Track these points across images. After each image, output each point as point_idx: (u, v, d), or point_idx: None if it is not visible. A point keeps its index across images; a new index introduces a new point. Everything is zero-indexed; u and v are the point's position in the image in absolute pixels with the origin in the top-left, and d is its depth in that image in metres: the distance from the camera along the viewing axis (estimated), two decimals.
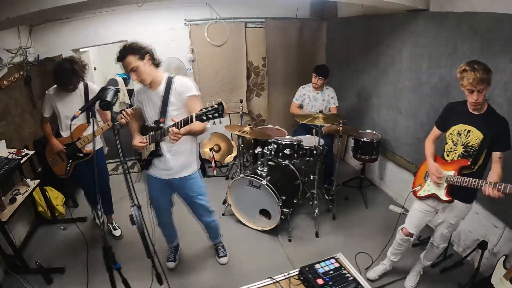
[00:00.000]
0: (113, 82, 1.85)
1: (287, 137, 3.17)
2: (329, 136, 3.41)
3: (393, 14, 3.11)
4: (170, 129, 1.88)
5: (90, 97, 2.72)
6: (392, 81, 3.28)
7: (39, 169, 3.20)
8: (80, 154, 2.78)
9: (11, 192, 2.79)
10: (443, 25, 2.65)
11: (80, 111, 1.67)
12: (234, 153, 4.18)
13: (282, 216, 2.85)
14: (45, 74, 3.68)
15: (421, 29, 2.86)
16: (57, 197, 3.44)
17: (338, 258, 1.85)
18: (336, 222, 3.22)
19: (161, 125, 2.04)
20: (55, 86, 2.65)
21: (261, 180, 2.80)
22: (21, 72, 3.35)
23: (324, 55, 4.32)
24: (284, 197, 2.88)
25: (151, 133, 2.09)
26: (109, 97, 1.49)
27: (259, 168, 2.98)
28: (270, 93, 4.33)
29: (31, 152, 2.90)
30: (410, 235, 2.22)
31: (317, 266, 1.77)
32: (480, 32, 2.33)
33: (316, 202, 3.10)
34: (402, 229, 2.27)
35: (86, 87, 2.70)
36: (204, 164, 3.97)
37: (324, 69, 3.40)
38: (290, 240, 2.95)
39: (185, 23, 3.91)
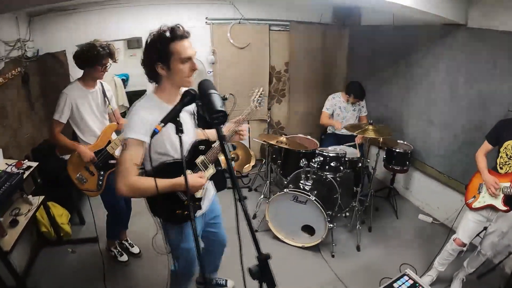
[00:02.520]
0: (208, 84, 1.34)
1: (330, 148, 3.12)
2: (359, 147, 3.43)
3: (428, 26, 3.24)
4: (241, 128, 1.80)
5: (108, 96, 2.57)
6: (424, 93, 3.43)
7: (39, 180, 2.85)
8: (112, 162, 2.48)
9: (11, 211, 2.45)
10: (482, 41, 2.84)
11: (162, 123, 1.26)
12: (253, 162, 4.03)
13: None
14: (45, 72, 3.37)
15: (459, 43, 3.05)
16: (61, 214, 3.16)
17: (409, 274, 1.97)
18: (373, 234, 3.32)
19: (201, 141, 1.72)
20: (75, 81, 2.42)
21: (309, 196, 2.72)
22: (19, 69, 3.07)
23: (345, 62, 4.43)
24: (330, 212, 2.81)
25: (202, 158, 1.71)
26: (222, 106, 1.14)
27: (302, 182, 2.89)
28: (290, 100, 4.32)
29: (33, 164, 2.59)
30: (464, 245, 2.38)
31: (395, 285, 1.88)
32: None
33: (358, 215, 3.08)
34: (455, 240, 2.41)
35: (102, 85, 2.54)
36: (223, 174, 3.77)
37: (360, 91, 3.48)
38: (333, 256, 2.97)
39: (206, 22, 3.77)
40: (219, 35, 3.82)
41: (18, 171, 2.38)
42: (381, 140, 3.03)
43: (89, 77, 2.38)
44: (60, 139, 2.38)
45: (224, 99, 1.18)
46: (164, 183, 1.49)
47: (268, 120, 3.32)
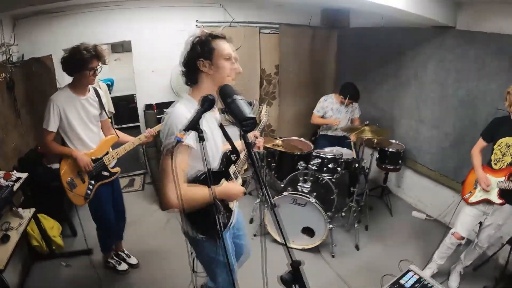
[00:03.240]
0: (230, 89, 1.27)
1: (327, 150, 3.14)
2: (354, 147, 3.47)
3: (418, 29, 3.32)
4: (258, 140, 1.81)
5: (103, 103, 2.45)
6: (414, 93, 3.53)
7: (27, 191, 2.75)
8: (105, 173, 2.42)
9: (1, 226, 2.34)
10: (471, 43, 2.96)
11: (185, 132, 1.20)
12: (245, 166, 3.97)
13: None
14: (31, 77, 3.24)
15: (448, 45, 3.17)
16: (52, 227, 3.04)
17: (413, 270, 2.04)
18: (370, 233, 3.38)
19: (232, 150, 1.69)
20: (64, 87, 2.28)
21: (309, 198, 2.74)
22: (3, 74, 2.94)
23: (334, 64, 4.51)
24: (329, 213, 2.83)
25: (233, 167, 1.67)
26: (251, 112, 1.11)
27: (300, 184, 2.90)
28: (281, 103, 4.36)
29: (23, 175, 2.48)
30: (462, 238, 2.48)
31: (401, 281, 1.95)
32: (508, 52, 2.68)
33: (355, 214, 3.11)
34: (453, 234, 2.51)
35: (96, 91, 2.42)
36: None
37: (356, 93, 3.51)
38: (333, 256, 3.00)
39: (196, 25, 3.72)
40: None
41: (7, 183, 2.26)
42: (375, 140, 3.08)
43: (79, 83, 2.25)
44: (53, 147, 2.26)
45: (250, 104, 1.17)
46: (208, 192, 1.34)
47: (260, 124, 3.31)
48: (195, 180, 1.45)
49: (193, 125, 1.19)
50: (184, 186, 1.35)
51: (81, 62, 2.12)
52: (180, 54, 1.52)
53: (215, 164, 1.56)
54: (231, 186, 1.53)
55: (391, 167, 3.50)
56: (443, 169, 3.37)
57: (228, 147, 1.69)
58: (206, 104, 1.24)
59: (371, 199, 3.83)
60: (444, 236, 2.62)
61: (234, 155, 1.67)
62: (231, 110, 1.14)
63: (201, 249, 1.66)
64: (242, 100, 1.16)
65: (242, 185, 1.68)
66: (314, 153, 2.98)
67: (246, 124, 1.07)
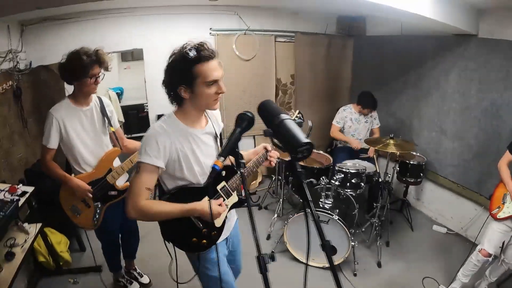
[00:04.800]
0: (274, 106, 1.10)
1: (348, 163, 3.02)
2: (370, 159, 3.42)
3: (439, 37, 3.25)
4: (270, 154, 1.65)
5: (108, 114, 2.21)
6: (436, 103, 3.47)
7: (34, 204, 2.60)
8: (112, 193, 2.19)
9: (5, 243, 2.21)
10: (494, 51, 2.90)
11: (221, 157, 1.11)
12: (259, 179, 3.87)
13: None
14: (38, 86, 3.18)
15: (471, 54, 3.11)
16: (60, 242, 2.94)
17: None
18: (391, 248, 3.28)
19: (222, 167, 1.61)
20: (64, 99, 2.07)
21: (332, 215, 2.63)
22: (10, 82, 2.84)
23: (350, 73, 4.45)
24: (352, 230, 2.71)
25: (223, 184, 1.59)
26: (307, 136, 0.94)
27: (322, 200, 2.79)
28: None
29: (29, 189, 2.32)
30: (489, 255, 2.40)
31: None
32: None
33: (376, 230, 2.99)
34: (480, 251, 2.42)
35: (100, 100, 2.19)
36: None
37: (373, 101, 3.47)
38: (355, 275, 2.89)
39: (210, 33, 3.64)
40: (224, 47, 3.72)
41: (12, 197, 2.13)
42: (398, 153, 2.97)
43: (79, 92, 2.03)
44: (51, 168, 2.04)
45: (299, 124, 1.03)
46: (176, 207, 1.42)
47: None
48: (178, 194, 1.48)
49: (231, 149, 1.10)
50: (142, 202, 1.37)
51: (81, 69, 1.92)
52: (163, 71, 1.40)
53: (201, 180, 1.51)
54: (201, 205, 1.45)
55: (412, 180, 3.41)
56: (466, 181, 3.28)
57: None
58: (245, 124, 1.15)
59: (391, 213, 3.72)
60: (469, 252, 2.53)
61: (224, 171, 1.57)
62: (280, 134, 0.99)
63: (193, 264, 1.67)
64: (290, 119, 1.01)
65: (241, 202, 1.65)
66: (337, 168, 2.86)
67: (301, 151, 0.92)
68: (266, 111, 1.07)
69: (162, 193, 1.55)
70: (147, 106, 5.37)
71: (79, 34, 3.24)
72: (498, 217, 2.34)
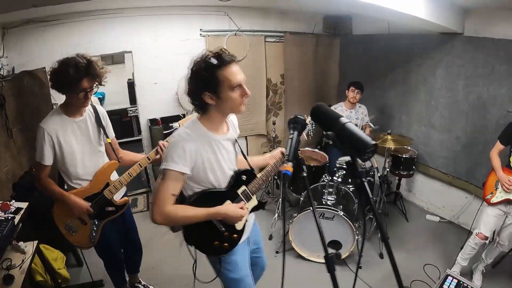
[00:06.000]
0: (330, 110, 1.15)
1: (346, 159, 3.05)
2: None
3: (425, 35, 3.38)
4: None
5: (104, 123, 2.07)
6: (424, 99, 3.62)
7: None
8: (110, 209, 2.07)
9: (1, 265, 2.05)
10: (479, 48, 3.09)
11: (290, 162, 1.07)
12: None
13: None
14: (22, 93, 3.00)
15: (457, 51, 3.29)
16: (56, 258, 2.78)
17: (451, 274, 2.24)
18: (390, 240, 3.38)
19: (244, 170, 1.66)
20: (56, 109, 1.92)
21: (337, 211, 2.65)
22: None
23: (337, 71, 4.56)
24: (357, 225, 2.77)
25: (243, 188, 1.63)
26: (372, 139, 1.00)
27: (325, 197, 2.83)
28: (287, 113, 4.35)
29: (23, 205, 2.18)
30: (486, 238, 2.58)
31: (445, 287, 2.12)
32: None
33: (375, 223, 3.05)
34: (477, 234, 2.59)
35: (94, 109, 2.03)
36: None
37: (361, 83, 3.57)
38: (360, 267, 2.98)
39: (201, 34, 3.58)
40: (215, 48, 3.60)
41: (6, 215, 1.97)
42: (392, 148, 3.07)
43: (70, 104, 1.88)
44: (47, 186, 1.93)
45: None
46: (201, 212, 1.46)
47: (274, 135, 3.22)
48: (200, 198, 1.51)
49: (295, 154, 1.11)
50: (168, 207, 1.40)
51: (68, 83, 1.74)
52: (184, 79, 1.44)
53: (223, 185, 1.55)
54: (224, 208, 1.51)
55: (405, 173, 3.55)
56: (456, 171, 3.47)
57: (245, 164, 1.70)
58: (299, 127, 1.17)
59: (386, 206, 3.82)
60: (465, 238, 2.70)
61: (245, 176, 1.63)
62: (345, 138, 1.02)
63: (211, 264, 1.71)
64: (350, 122, 1.04)
65: (260, 205, 1.71)
66: (337, 165, 2.90)
67: (368, 152, 0.96)
68: (324, 115, 1.11)
69: (181, 197, 1.55)
70: (131, 110, 5.22)
71: (65, 37, 3.11)
72: (491, 202, 2.54)
